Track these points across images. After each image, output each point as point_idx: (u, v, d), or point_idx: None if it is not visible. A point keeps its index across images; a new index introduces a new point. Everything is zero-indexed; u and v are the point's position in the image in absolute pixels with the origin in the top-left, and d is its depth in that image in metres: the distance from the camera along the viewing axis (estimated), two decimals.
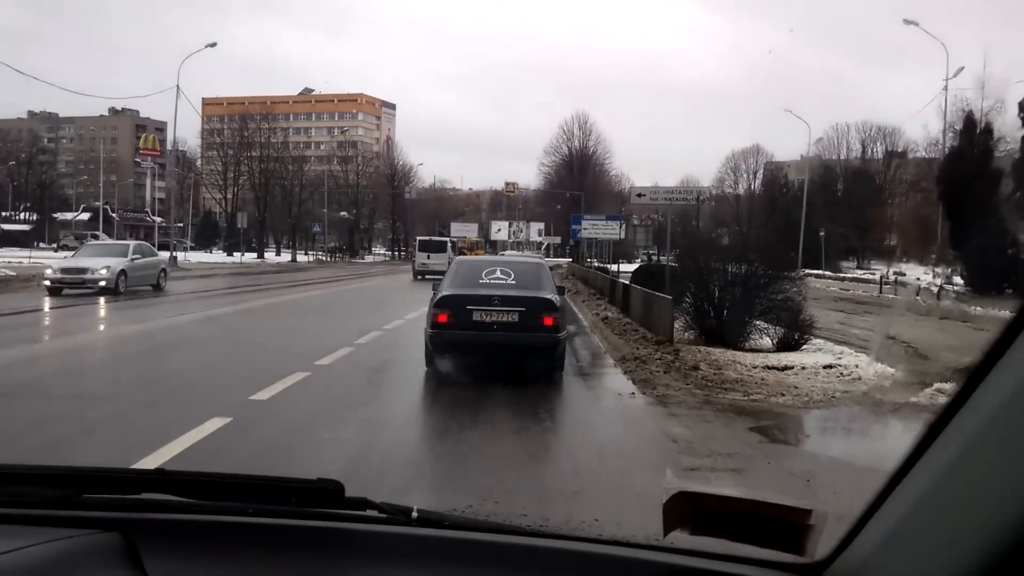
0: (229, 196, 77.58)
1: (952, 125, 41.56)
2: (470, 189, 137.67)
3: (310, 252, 76.80)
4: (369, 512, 1.47)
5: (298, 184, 77.32)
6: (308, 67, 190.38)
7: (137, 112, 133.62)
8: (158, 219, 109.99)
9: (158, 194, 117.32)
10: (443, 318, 10.52)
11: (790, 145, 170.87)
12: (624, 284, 22.22)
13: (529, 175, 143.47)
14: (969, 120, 40.52)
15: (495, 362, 10.81)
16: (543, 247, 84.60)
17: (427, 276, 34.35)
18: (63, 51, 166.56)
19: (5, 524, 1.45)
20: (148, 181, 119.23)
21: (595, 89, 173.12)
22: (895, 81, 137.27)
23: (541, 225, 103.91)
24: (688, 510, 1.29)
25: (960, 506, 0.86)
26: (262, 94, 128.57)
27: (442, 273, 14.30)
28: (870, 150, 76.81)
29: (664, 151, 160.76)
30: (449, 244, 46.15)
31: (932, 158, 70.84)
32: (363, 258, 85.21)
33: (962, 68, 40.00)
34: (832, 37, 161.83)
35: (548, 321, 10.61)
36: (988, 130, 40.23)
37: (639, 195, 28.31)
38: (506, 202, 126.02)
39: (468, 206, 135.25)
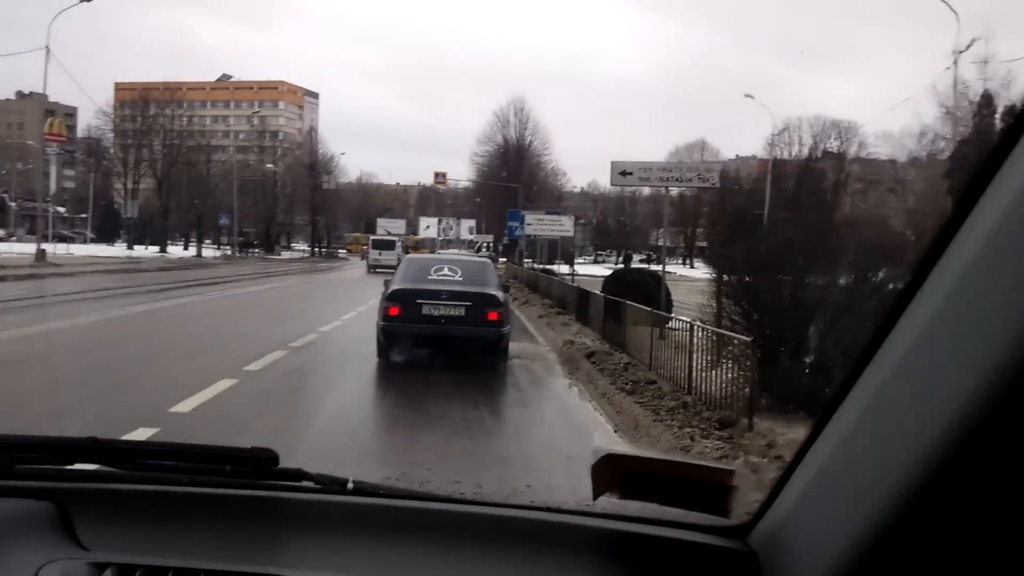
0: (130, 185, 68.55)
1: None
2: (397, 184, 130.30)
3: (222, 247, 67.89)
4: (304, 483, 1.45)
5: (204, 171, 68.45)
6: (228, 58, 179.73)
7: (46, 96, 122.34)
8: (61, 209, 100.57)
9: (68, 183, 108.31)
10: (395, 311, 11.18)
11: (738, 144, 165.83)
12: (609, 299, 15.41)
13: (459, 172, 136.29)
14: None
15: (442, 353, 11.09)
16: (478, 247, 77.50)
17: (378, 270, 40.16)
18: None
19: None
20: (53, 169, 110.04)
21: (521, 89, 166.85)
22: (831, 84, 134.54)
23: (472, 222, 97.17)
24: (616, 474, 1.29)
25: (872, 455, 0.88)
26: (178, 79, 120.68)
27: (392, 267, 15.32)
28: (822, 147, 71.51)
29: (596, 151, 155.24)
30: (398, 243, 52.31)
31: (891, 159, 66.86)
32: (279, 254, 76.77)
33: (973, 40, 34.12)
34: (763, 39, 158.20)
35: (493, 316, 11.33)
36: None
37: (624, 173, 20.02)
38: (435, 198, 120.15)
39: (395, 201, 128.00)
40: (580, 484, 1.45)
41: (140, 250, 63.12)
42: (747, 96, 55.42)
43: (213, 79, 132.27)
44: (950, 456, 0.73)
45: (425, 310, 11.12)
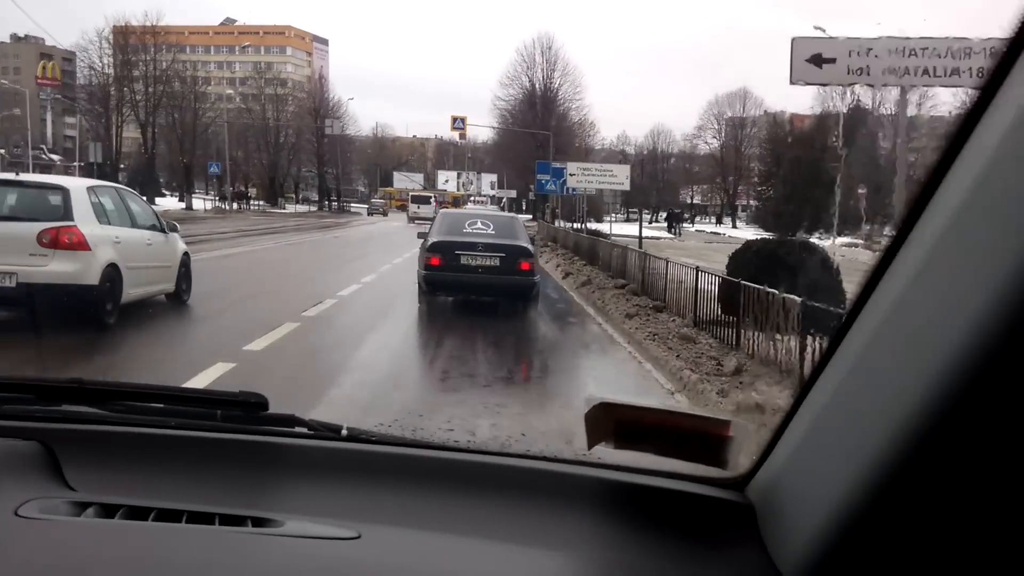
0: (109, 130, 60.26)
1: None
2: (414, 136, 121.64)
3: (217, 199, 59.35)
4: (297, 429, 1.43)
5: (194, 116, 59.88)
6: (234, 5, 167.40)
7: (42, 40, 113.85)
8: (55, 157, 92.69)
9: (70, 131, 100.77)
10: (435, 261, 11.78)
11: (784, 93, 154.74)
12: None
13: (478, 130, 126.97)
14: None
15: (478, 298, 12.08)
16: (503, 203, 68.79)
17: (416, 220, 43.73)
18: None
19: None
20: (48, 115, 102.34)
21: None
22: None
23: (494, 177, 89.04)
24: (610, 423, 1.28)
25: (863, 406, 0.88)
26: (178, 23, 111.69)
27: (429, 219, 16.97)
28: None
29: (624, 103, 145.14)
30: (433, 198, 58.37)
31: None
32: (283, 207, 68.33)
33: None
34: None
35: (525, 266, 12.05)
36: None
37: (820, 61, 10.50)
38: (454, 151, 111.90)
39: (412, 154, 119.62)
40: (576, 434, 1.40)
41: None
42: (817, 28, 46.29)
43: (215, 22, 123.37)
44: (941, 407, 0.72)
45: (463, 260, 11.82)
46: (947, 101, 62.31)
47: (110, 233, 9.37)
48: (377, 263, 19.39)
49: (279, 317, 10.02)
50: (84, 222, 8.94)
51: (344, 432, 1.42)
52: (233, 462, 1.38)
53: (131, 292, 9.66)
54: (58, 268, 8.63)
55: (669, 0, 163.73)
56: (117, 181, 64.38)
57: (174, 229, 11.35)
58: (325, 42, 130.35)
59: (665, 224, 56.86)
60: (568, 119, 63.86)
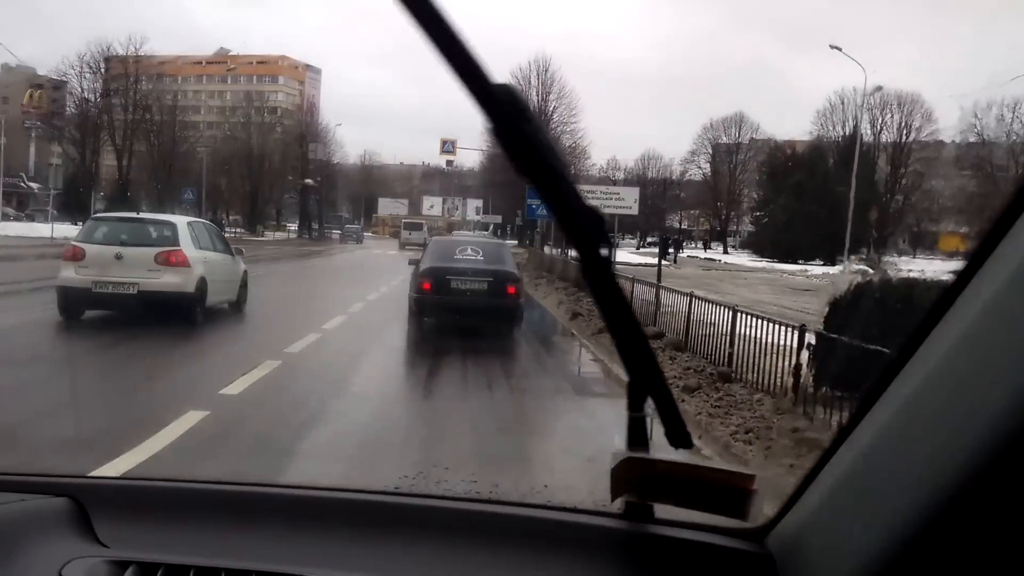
0: (75, 156, 56.84)
1: None
2: (401, 163, 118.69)
3: None
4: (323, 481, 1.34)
5: (169, 141, 56.43)
6: (226, 39, 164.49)
7: (34, 70, 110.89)
8: (35, 186, 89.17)
9: (56, 160, 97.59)
10: (427, 285, 12.30)
11: (777, 119, 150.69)
12: None
13: (467, 152, 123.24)
14: None
15: (466, 321, 12.29)
16: (490, 228, 65.46)
17: (408, 247, 42.10)
18: None
19: None
20: (31, 144, 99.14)
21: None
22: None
23: (479, 202, 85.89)
24: (635, 476, 1.25)
25: (897, 466, 0.86)
26: (172, 53, 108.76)
27: (420, 245, 17.25)
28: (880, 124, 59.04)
29: (617, 128, 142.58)
30: (424, 225, 58.52)
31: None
32: (261, 235, 64.65)
33: None
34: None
35: (511, 290, 12.52)
36: None
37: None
38: (440, 178, 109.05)
39: (398, 181, 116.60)
40: (598, 485, 1.40)
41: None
42: (833, 47, 43.26)
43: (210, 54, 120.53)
44: (978, 472, 0.71)
45: (453, 284, 12.28)
46: (951, 126, 59.74)
47: (200, 255, 12.15)
48: (353, 299, 16.90)
49: (258, 356, 9.31)
50: (186, 246, 11.83)
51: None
52: (264, 515, 1.36)
53: (211, 300, 12.37)
54: (167, 280, 11.45)
55: (660, 28, 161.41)
56: (91, 207, 61.15)
57: (239, 253, 14.27)
58: (318, 71, 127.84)
59: (656, 250, 53.70)
60: (561, 144, 60.70)
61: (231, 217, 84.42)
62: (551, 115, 57.89)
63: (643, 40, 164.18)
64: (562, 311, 17.18)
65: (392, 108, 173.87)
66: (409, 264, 14.14)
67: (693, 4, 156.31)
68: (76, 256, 11.54)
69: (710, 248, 73.82)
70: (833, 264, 45.63)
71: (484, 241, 15.60)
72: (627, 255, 56.64)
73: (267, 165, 67.85)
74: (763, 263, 48.83)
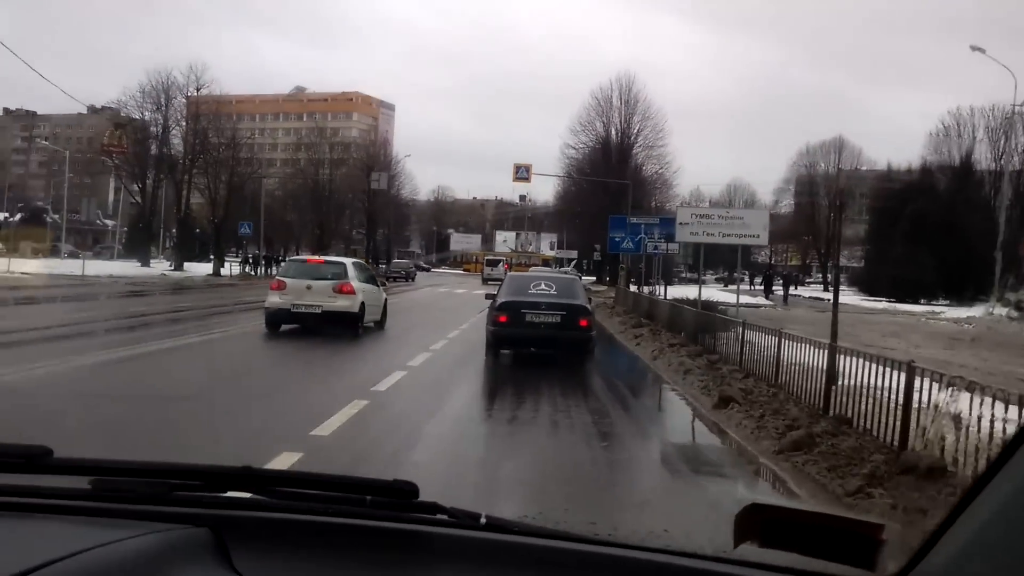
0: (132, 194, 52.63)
1: None
2: (473, 198, 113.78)
3: (245, 263, 50.00)
4: (439, 516, 1.43)
5: (237, 175, 51.82)
6: (300, 78, 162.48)
7: (118, 111, 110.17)
8: (110, 222, 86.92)
9: (135, 198, 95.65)
10: (503, 319, 12.55)
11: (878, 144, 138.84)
12: None
13: (539, 189, 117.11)
14: None
15: (540, 352, 12.86)
16: (572, 264, 59.19)
17: (490, 281, 41.62)
18: (50, 58, 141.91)
19: (102, 517, 1.43)
20: (111, 181, 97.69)
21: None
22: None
23: (553, 237, 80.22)
24: (758, 522, 1.22)
25: None
26: (250, 92, 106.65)
27: (500, 280, 17.38)
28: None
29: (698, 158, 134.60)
30: (502, 261, 57.21)
31: None
32: None
33: None
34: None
35: (583, 323, 12.66)
36: None
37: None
38: (513, 212, 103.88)
39: (471, 216, 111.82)
40: (719, 531, 1.37)
41: (164, 266, 47.47)
42: (974, 48, 35.96)
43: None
44: None
45: (528, 318, 12.51)
46: None
47: (361, 286, 16.30)
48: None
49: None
50: (352, 279, 16.11)
51: (483, 520, 1.40)
52: (379, 549, 1.39)
53: (367, 318, 16.38)
54: (341, 303, 15.61)
55: (734, 60, 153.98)
56: (162, 245, 57.05)
57: (383, 284, 19.30)
58: (391, 107, 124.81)
59: (761, 288, 46.53)
60: (646, 170, 53.61)
61: (300, 251, 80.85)
62: (635, 138, 51.23)
63: (717, 72, 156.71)
64: (694, 387, 10.86)
65: (464, 144, 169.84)
66: (486, 299, 14.81)
67: (765, 36, 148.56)
68: (280, 287, 15.79)
69: (802, 285, 66.02)
70: (970, 304, 37.97)
71: (556, 276, 16.62)
72: (716, 292, 49.70)
73: (334, 199, 63.04)
74: (882, 303, 41.32)
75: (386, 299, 18.09)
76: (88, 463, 1.51)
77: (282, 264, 17.49)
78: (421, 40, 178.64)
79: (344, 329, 15.30)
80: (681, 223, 18.22)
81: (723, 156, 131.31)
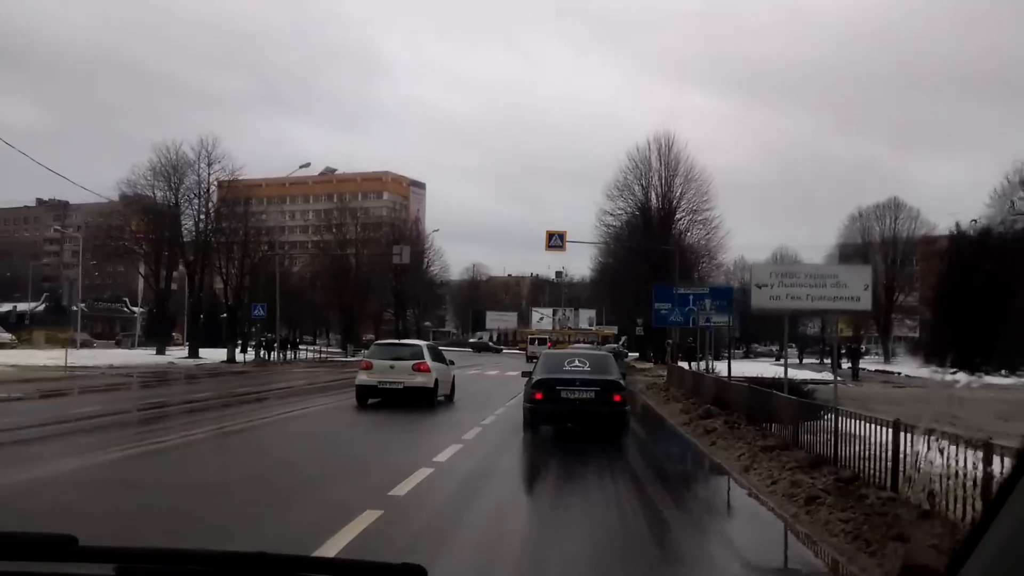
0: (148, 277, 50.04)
1: None
2: (509, 275, 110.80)
3: (258, 347, 46.38)
4: None
5: (260, 257, 49.16)
6: (329, 160, 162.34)
7: (152, 198, 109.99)
8: (137, 310, 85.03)
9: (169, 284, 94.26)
10: (539, 396, 12.82)
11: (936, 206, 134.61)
12: None
13: (573, 267, 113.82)
14: None
15: (576, 427, 13.14)
16: (621, 342, 54.85)
17: (533, 359, 36.76)
18: (80, 149, 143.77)
19: None
20: (141, 268, 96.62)
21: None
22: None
23: (592, 313, 76.52)
24: None
25: None
26: (279, 175, 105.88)
27: None
28: None
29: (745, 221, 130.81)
30: (547, 339, 54.37)
31: None
32: (352, 354, 55.88)
33: None
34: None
35: (617, 398, 12.87)
36: None
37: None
38: (549, 289, 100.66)
39: (506, 293, 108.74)
40: None
41: (178, 353, 44.36)
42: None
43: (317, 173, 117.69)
44: None
45: (564, 394, 12.70)
46: None
47: (434, 364, 18.31)
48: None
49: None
50: (427, 360, 18.21)
51: None
52: None
53: (439, 393, 18.32)
54: (419, 380, 17.70)
55: (766, 132, 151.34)
56: (165, 326, 54.00)
57: (452, 363, 20.52)
58: (422, 186, 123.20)
59: (798, 359, 42.16)
60: (691, 236, 48.44)
61: (332, 335, 78.07)
62: (678, 201, 47.12)
63: (748, 144, 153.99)
64: (841, 537, 6.81)
65: (497, 223, 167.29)
66: (522, 376, 15.50)
67: (795, 106, 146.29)
68: (367, 367, 18.16)
69: (862, 356, 61.23)
70: None
71: (590, 352, 17.09)
72: (771, 367, 45.24)
73: (360, 279, 60.15)
74: (963, 376, 36.65)
75: (454, 376, 20.28)
76: (110, 551, 1.55)
77: (371, 348, 20.52)
78: (450, 121, 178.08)
79: (421, 402, 17.37)
80: (759, 285, 14.35)
81: (761, 230, 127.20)
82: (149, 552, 1.59)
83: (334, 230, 74.09)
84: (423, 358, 18.03)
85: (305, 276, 69.08)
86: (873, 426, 8.18)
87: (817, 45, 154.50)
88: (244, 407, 17.90)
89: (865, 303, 14.60)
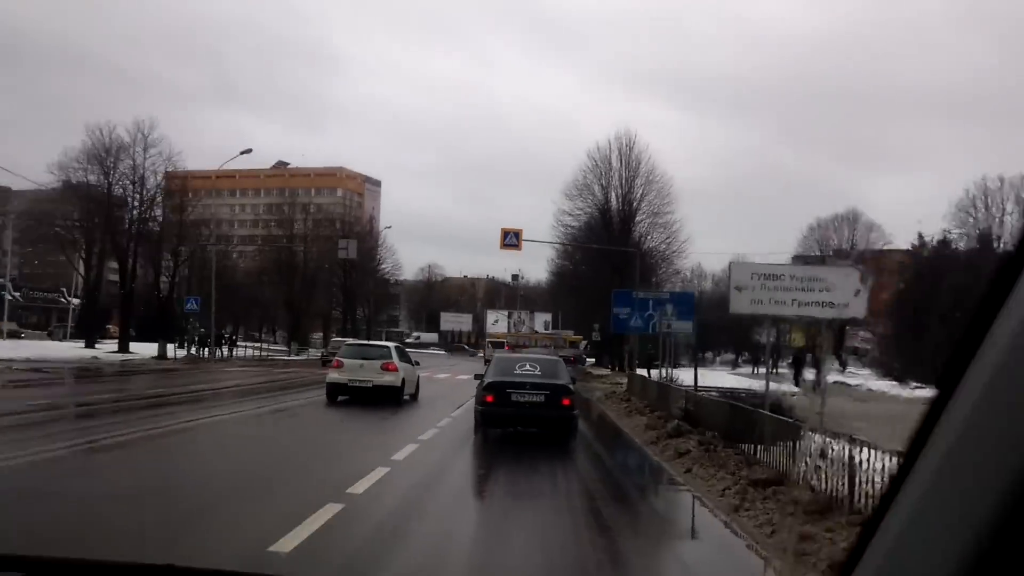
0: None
1: None
2: (464, 276, 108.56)
3: (189, 344, 43.47)
4: None
5: (171, 245, 46.08)
6: (283, 155, 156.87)
7: (100, 188, 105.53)
8: (76, 300, 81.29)
9: (112, 276, 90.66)
10: (490, 398, 13.04)
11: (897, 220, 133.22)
12: None
13: (530, 271, 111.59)
14: None
15: (525, 430, 13.20)
16: (584, 346, 52.94)
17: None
18: (27, 137, 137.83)
19: None
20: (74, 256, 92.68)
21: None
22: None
23: (548, 316, 74.61)
24: None
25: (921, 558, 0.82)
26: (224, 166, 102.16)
27: None
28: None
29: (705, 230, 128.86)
30: (505, 342, 51.91)
31: None
32: (296, 352, 53.09)
33: None
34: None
35: (566, 401, 13.03)
36: None
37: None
38: (505, 291, 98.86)
39: (462, 295, 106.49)
40: None
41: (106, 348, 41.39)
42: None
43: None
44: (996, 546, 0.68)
45: (514, 397, 12.91)
46: None
47: (401, 364, 19.44)
48: None
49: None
50: (395, 360, 19.29)
51: None
52: None
53: (405, 392, 19.35)
54: (387, 379, 18.66)
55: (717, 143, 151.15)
56: (94, 318, 50.79)
57: (417, 364, 21.53)
58: (377, 183, 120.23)
59: (791, 371, 40.98)
60: (652, 239, 46.42)
61: (279, 333, 75.31)
62: (638, 203, 45.21)
63: (704, 156, 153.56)
64: None
65: (454, 225, 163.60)
66: (475, 379, 15.42)
67: (745, 120, 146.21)
68: (339, 365, 19.11)
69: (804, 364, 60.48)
70: None
71: (541, 357, 16.52)
72: (729, 377, 43.93)
73: (308, 274, 57.56)
74: (923, 389, 35.68)
75: (419, 377, 21.11)
76: (15, 559, 1.50)
77: (342, 348, 21.73)
78: (408, 121, 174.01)
79: (389, 400, 18.39)
80: (737, 287, 12.61)
81: (718, 240, 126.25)
82: (57, 561, 1.57)
83: (278, 225, 71.53)
84: (391, 358, 19.22)
85: (252, 271, 66.33)
86: (890, 458, 6.39)
87: (771, 59, 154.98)
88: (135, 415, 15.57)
89: (856, 310, 12.90)
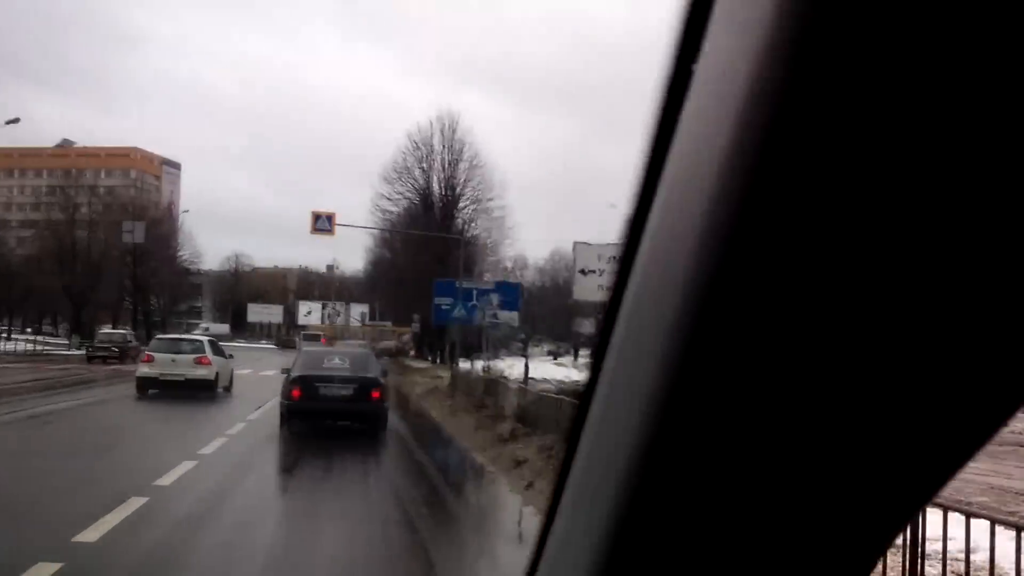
0: None
1: None
2: (275, 267, 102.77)
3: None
4: None
5: None
6: (69, 132, 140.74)
7: None
8: None
9: None
10: (296, 393, 12.88)
11: None
12: None
13: (348, 262, 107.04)
14: None
15: (335, 423, 13.14)
16: (406, 337, 50.54)
17: None
18: None
19: None
20: None
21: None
22: None
23: (365, 307, 71.79)
24: None
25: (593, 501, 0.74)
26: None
27: None
28: None
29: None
30: (322, 335, 51.00)
31: None
32: (77, 347, 46.92)
33: None
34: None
35: (375, 394, 13.13)
36: None
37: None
38: (319, 282, 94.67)
39: (272, 286, 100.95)
40: None
41: None
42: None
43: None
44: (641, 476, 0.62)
45: (322, 391, 12.85)
46: None
47: (215, 358, 19.98)
48: None
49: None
50: (208, 353, 19.80)
51: None
52: None
53: (219, 384, 19.88)
54: (201, 372, 19.16)
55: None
56: None
57: (232, 357, 22.27)
58: (177, 166, 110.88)
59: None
60: (476, 227, 44.29)
61: (63, 326, 67.55)
62: (462, 188, 43.25)
63: (520, 146, 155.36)
64: None
65: (265, 213, 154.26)
66: (281, 372, 14.66)
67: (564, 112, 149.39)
68: (149, 359, 19.38)
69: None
70: None
71: (350, 350, 17.57)
72: (550, 367, 43.18)
73: (91, 262, 51.62)
74: None
75: (232, 370, 21.56)
76: None
77: (152, 342, 22.04)
78: (213, 101, 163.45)
79: (203, 392, 18.61)
80: (584, 270, 11.17)
81: (541, 230, 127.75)
82: None
83: (67, 208, 64.16)
84: (204, 352, 19.76)
85: (33, 258, 58.98)
86: None
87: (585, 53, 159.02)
88: None
89: None
